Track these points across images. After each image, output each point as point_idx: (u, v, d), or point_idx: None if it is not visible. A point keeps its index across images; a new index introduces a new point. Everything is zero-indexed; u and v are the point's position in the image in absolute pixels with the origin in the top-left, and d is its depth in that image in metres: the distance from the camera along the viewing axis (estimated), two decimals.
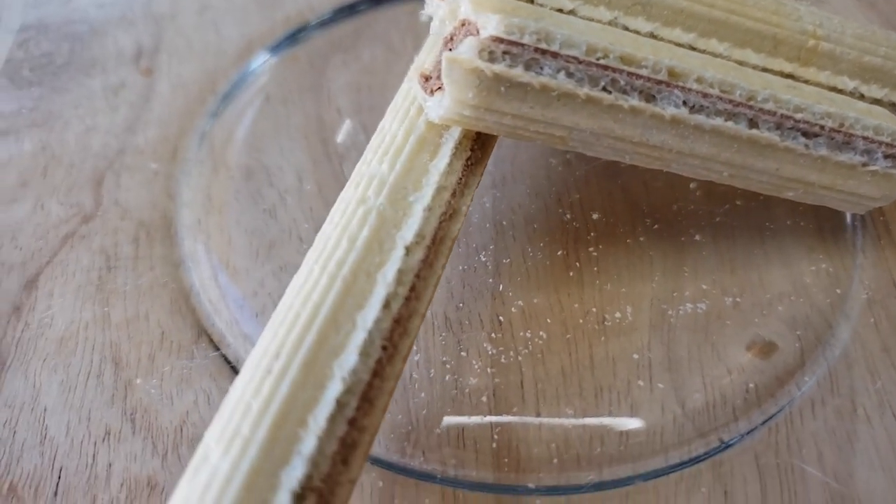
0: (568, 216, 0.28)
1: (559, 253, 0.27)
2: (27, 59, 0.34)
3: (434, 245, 0.22)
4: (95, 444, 0.24)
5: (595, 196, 0.28)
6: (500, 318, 0.25)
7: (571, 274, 0.26)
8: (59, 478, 0.24)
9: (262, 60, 0.33)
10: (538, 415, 0.24)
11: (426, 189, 0.22)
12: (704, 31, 0.24)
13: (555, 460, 0.23)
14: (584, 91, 0.21)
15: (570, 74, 0.21)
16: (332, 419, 0.18)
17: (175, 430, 0.24)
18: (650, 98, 0.22)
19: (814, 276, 0.26)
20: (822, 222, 0.27)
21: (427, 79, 0.23)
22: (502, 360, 0.25)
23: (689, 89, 0.22)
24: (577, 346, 0.25)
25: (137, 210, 0.29)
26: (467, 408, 0.24)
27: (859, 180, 0.24)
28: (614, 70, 0.22)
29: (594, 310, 0.25)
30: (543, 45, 0.21)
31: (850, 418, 0.23)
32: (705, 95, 0.22)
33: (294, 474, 0.17)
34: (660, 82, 0.22)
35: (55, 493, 0.23)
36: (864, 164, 0.24)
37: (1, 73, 0.33)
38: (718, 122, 0.22)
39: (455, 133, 0.23)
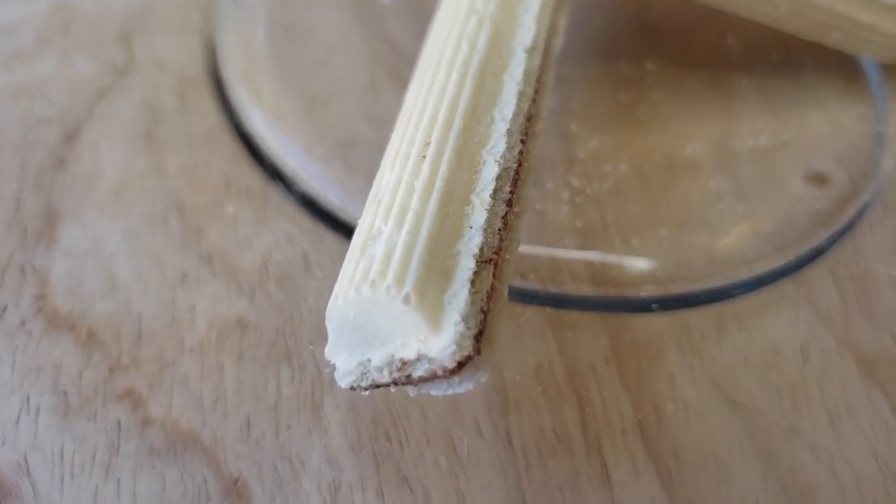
0: (623, 65, 0.28)
1: (620, 97, 0.27)
2: None
3: (546, 55, 0.22)
4: (173, 287, 0.23)
5: (646, 48, 0.29)
6: (578, 154, 0.26)
7: (636, 115, 0.27)
8: (140, 322, 0.22)
9: None
10: (625, 242, 0.24)
11: (532, 2, 0.22)
12: None
13: (650, 282, 0.24)
14: None
15: None
16: (495, 197, 0.18)
17: (259, 269, 0.23)
18: None
19: (851, 118, 0.28)
20: (848, 76, 0.29)
21: None
22: (586, 192, 0.25)
23: None
24: (651, 181, 0.26)
25: (176, 63, 0.27)
26: (555, 238, 0.24)
27: (891, 20, 0.26)
28: None
29: (663, 148, 0.26)
30: None
31: None
32: None
33: (471, 244, 0.17)
34: None
35: (139, 336, 0.22)
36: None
37: None
38: None
39: None
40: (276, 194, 0.25)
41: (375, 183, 0.19)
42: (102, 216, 0.24)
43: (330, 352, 0.18)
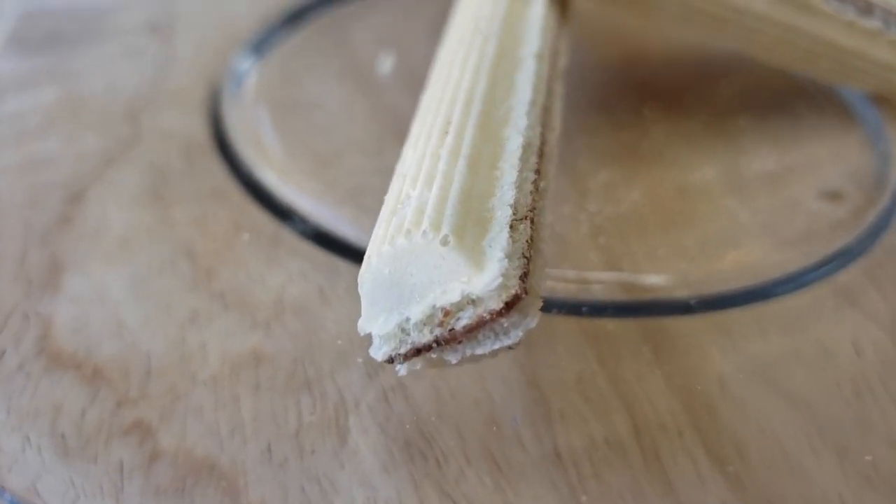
0: (621, 113, 0.29)
1: (623, 136, 0.28)
2: (35, 35, 0.32)
3: (554, 65, 0.22)
4: (182, 326, 0.22)
5: (641, 99, 0.30)
6: (589, 186, 0.26)
7: (640, 151, 0.27)
8: (149, 359, 0.21)
9: (282, 26, 0.33)
10: (651, 254, 0.24)
11: (534, 22, 0.23)
12: None
13: (683, 287, 0.23)
14: None
15: None
16: (522, 164, 0.18)
17: (274, 302, 0.22)
18: None
19: (851, 144, 0.28)
20: (839, 110, 0.30)
21: None
22: (604, 214, 0.25)
23: None
24: (665, 204, 0.25)
25: (183, 132, 0.28)
26: (579, 257, 0.24)
27: (880, 48, 0.27)
28: None
29: (672, 177, 0.26)
30: None
31: None
32: None
33: (505, 198, 0.17)
34: None
35: (147, 373, 0.21)
36: (883, 32, 0.27)
37: (7, 47, 0.32)
38: None
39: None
40: (287, 233, 0.24)
41: (398, 168, 0.19)
42: (109, 265, 0.23)
43: (365, 320, 0.17)
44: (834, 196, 0.26)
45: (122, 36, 0.32)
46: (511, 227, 0.16)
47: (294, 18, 0.33)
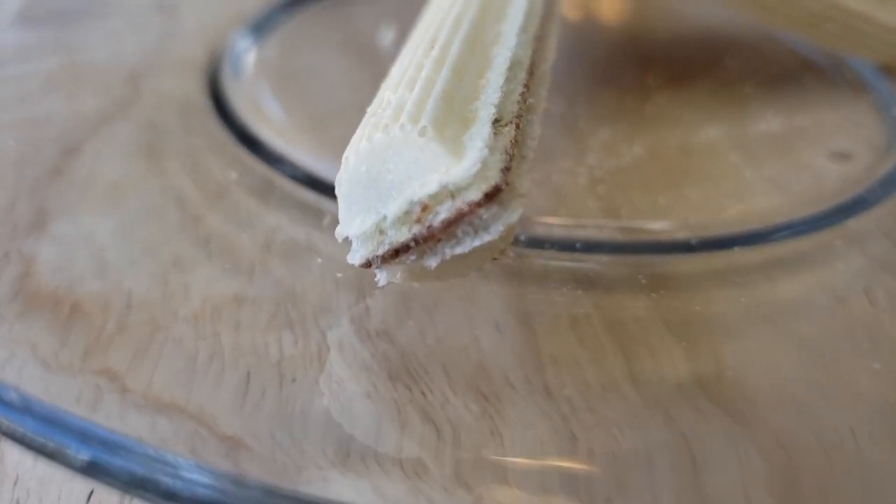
0: (625, 81, 0.29)
1: (627, 101, 0.27)
2: (42, 12, 0.33)
3: (546, 15, 0.22)
4: (166, 271, 0.21)
5: (645, 68, 0.29)
6: (589, 143, 0.25)
7: (644, 112, 0.27)
8: (130, 297, 0.20)
9: (285, 6, 0.33)
10: (652, 203, 0.23)
11: None
12: None
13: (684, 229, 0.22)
14: None
15: None
16: (509, 76, 0.17)
17: (261, 247, 0.22)
18: None
19: (860, 110, 0.28)
20: (848, 79, 0.29)
21: None
22: (604, 167, 0.24)
23: None
24: (669, 160, 0.25)
25: (181, 95, 0.27)
26: (576, 204, 0.23)
27: (888, 12, 0.27)
28: None
29: (676, 135, 0.26)
30: None
31: None
32: None
33: (489, 100, 0.16)
34: None
35: (128, 307, 0.20)
36: None
37: (14, 22, 0.32)
38: None
39: None
40: (280, 181, 0.24)
41: (382, 86, 0.19)
42: (96, 212, 0.23)
43: (342, 224, 0.16)
44: (843, 156, 0.25)
45: (128, 13, 0.33)
46: (494, 126, 0.15)
47: (298, 1, 0.34)
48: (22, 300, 0.20)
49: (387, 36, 0.31)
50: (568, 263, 0.21)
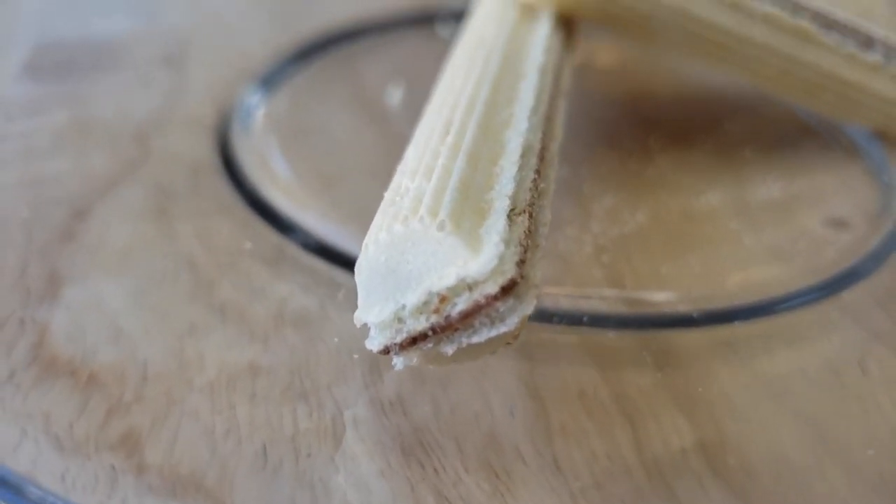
0: (627, 142, 0.29)
1: (630, 164, 0.28)
2: (49, 64, 0.33)
3: (557, 83, 0.23)
4: (181, 337, 0.21)
5: (647, 130, 0.30)
6: (594, 209, 0.26)
7: (646, 176, 0.27)
8: (145, 367, 0.21)
9: (291, 62, 0.34)
10: (655, 272, 0.23)
11: (538, 40, 0.23)
12: None
13: (686, 302, 0.22)
14: None
15: None
16: (522, 163, 0.18)
17: (274, 316, 0.22)
18: None
19: (855, 175, 0.28)
20: (844, 144, 0.30)
21: None
22: (608, 235, 0.25)
23: None
24: (671, 227, 0.25)
25: (191, 154, 0.28)
26: (582, 274, 0.23)
27: (881, 81, 0.28)
28: None
29: (677, 201, 0.26)
30: None
31: None
32: None
33: (504, 190, 0.17)
34: None
35: (143, 378, 0.20)
36: (884, 66, 0.27)
37: (21, 74, 0.32)
38: (768, 7, 0.26)
39: (544, 22, 0.25)
40: (290, 248, 0.24)
41: (398, 168, 0.19)
42: (109, 276, 0.23)
43: (361, 310, 0.16)
44: (839, 224, 0.26)
45: (136, 66, 0.33)
46: (509, 217, 0.16)
47: (305, 54, 0.34)
48: (37, 370, 0.20)
49: (394, 94, 0.32)
50: (576, 337, 0.21)
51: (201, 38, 0.36)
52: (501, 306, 0.15)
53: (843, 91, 0.28)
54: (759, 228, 0.25)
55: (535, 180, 0.18)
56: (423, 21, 0.37)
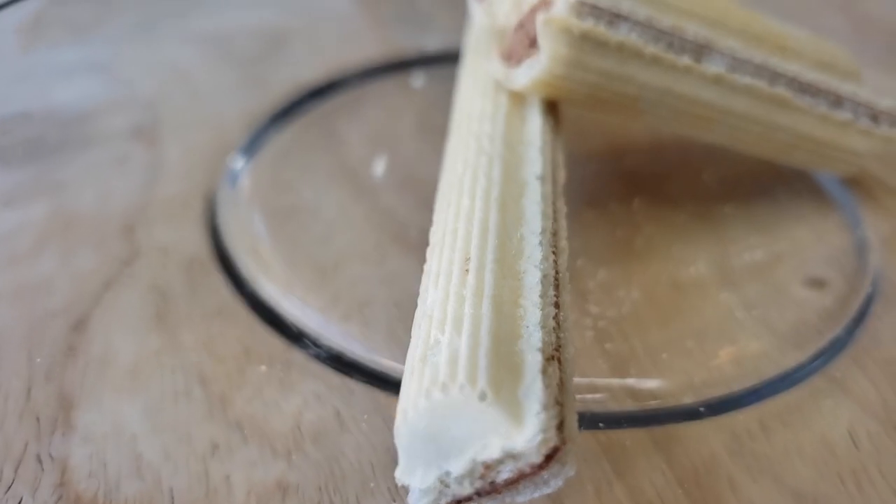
0: (613, 206, 0.30)
1: (617, 233, 0.29)
2: (15, 143, 0.32)
3: (555, 183, 0.23)
4: (204, 459, 0.22)
5: (630, 191, 0.31)
6: (589, 286, 0.26)
7: (635, 247, 0.28)
8: (172, 497, 0.21)
9: (268, 127, 0.33)
10: (655, 360, 0.24)
11: (532, 139, 0.24)
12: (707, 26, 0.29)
13: (689, 391, 0.23)
14: (650, 49, 0.25)
15: (638, 35, 0.25)
16: (543, 301, 0.18)
17: (292, 430, 0.22)
18: (697, 59, 0.26)
19: (829, 228, 0.30)
20: (814, 193, 0.31)
21: (508, 56, 0.25)
22: (607, 317, 0.25)
23: (723, 53, 0.26)
24: (663, 303, 0.26)
25: (181, 248, 0.28)
26: (588, 365, 0.24)
27: (851, 137, 0.29)
28: (669, 33, 0.25)
29: (667, 273, 0.27)
30: (616, 9, 0.24)
31: None
32: (734, 58, 0.26)
33: (532, 341, 0.17)
34: (702, 45, 0.26)
35: None
36: (853, 122, 0.29)
37: None
38: (748, 79, 0.26)
39: (534, 103, 0.26)
40: (298, 355, 0.24)
41: (419, 305, 0.19)
42: (120, 397, 0.23)
43: (402, 472, 0.17)
44: (819, 284, 0.27)
45: (107, 142, 0.32)
46: (543, 372, 0.16)
47: (281, 116, 0.34)
48: None
49: (377, 163, 0.32)
50: (590, 435, 0.22)
51: (170, 105, 0.35)
52: (546, 473, 0.16)
53: (816, 149, 0.29)
54: (746, 297, 0.26)
55: (556, 315, 0.18)
56: (396, 70, 0.37)
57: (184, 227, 0.28)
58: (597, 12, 0.24)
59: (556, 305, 0.19)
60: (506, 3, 0.26)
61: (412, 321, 0.24)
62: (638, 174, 0.32)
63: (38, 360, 0.24)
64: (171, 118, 0.34)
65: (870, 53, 0.40)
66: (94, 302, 0.26)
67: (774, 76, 0.27)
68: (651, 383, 0.23)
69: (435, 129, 0.34)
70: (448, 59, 0.38)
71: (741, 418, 0.23)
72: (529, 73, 0.24)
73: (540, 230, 0.20)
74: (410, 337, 0.19)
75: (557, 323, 0.18)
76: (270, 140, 0.33)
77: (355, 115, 0.35)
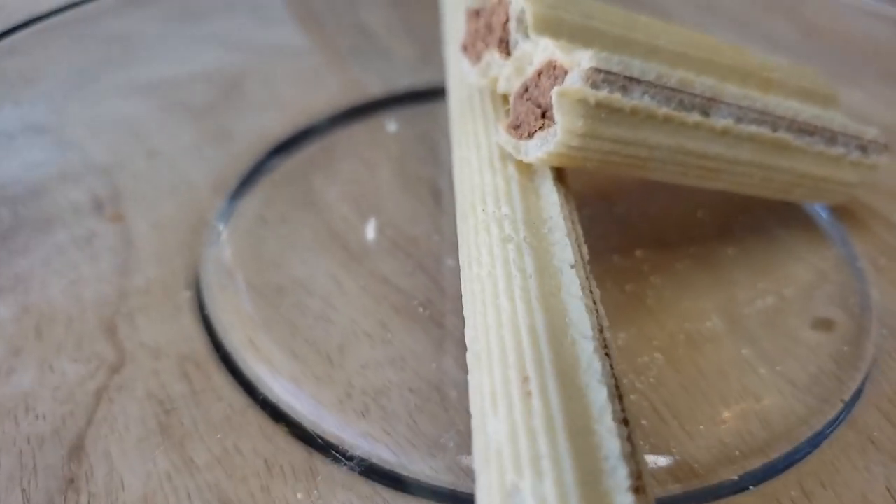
0: (616, 258, 0.29)
1: (627, 288, 0.28)
2: None
3: (586, 266, 0.22)
4: None
5: (630, 239, 0.30)
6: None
7: (647, 303, 0.27)
8: None
9: (239, 190, 0.31)
10: (689, 432, 0.24)
11: (553, 217, 0.23)
12: (699, 69, 0.28)
13: (726, 464, 0.23)
14: (663, 111, 0.24)
15: (651, 97, 0.24)
16: (617, 424, 0.18)
17: None
18: (705, 114, 0.25)
19: (828, 263, 0.30)
20: (807, 226, 0.31)
21: (517, 127, 0.24)
22: (636, 388, 0.25)
23: (729, 103, 0.25)
24: (684, 364, 0.26)
25: (173, 346, 0.25)
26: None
27: (844, 169, 0.29)
28: (679, 90, 0.24)
29: (683, 330, 0.27)
30: (628, 73, 0.23)
31: None
32: (739, 107, 0.26)
33: (618, 477, 0.16)
34: (709, 99, 0.25)
35: None
36: (845, 155, 0.29)
37: None
38: (753, 128, 0.26)
39: (545, 173, 0.24)
40: (322, 464, 0.23)
41: (475, 436, 0.18)
42: None
43: None
44: (828, 325, 0.27)
45: (67, 219, 0.30)
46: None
47: (252, 176, 0.32)
48: None
49: (364, 229, 0.30)
50: None
51: (128, 169, 0.32)
52: None
53: (815, 184, 0.29)
54: (762, 352, 0.26)
55: (629, 436, 0.17)
56: (364, 113, 0.35)
57: (171, 320, 0.26)
58: (611, 78, 0.23)
59: (625, 422, 0.18)
60: (507, 66, 0.25)
61: (430, 409, 0.23)
62: (632, 219, 0.31)
63: (35, 498, 0.22)
64: (132, 185, 0.31)
65: (818, 61, 0.40)
66: (87, 420, 0.23)
67: (777, 120, 0.27)
68: (693, 461, 0.23)
69: (415, 179, 0.33)
70: (416, 98, 0.36)
71: (781, 486, 0.23)
72: (544, 147, 0.23)
73: (591, 333, 0.19)
74: (469, 461, 0.18)
75: (633, 445, 0.17)
76: (244, 205, 0.31)
77: (329, 168, 0.33)
